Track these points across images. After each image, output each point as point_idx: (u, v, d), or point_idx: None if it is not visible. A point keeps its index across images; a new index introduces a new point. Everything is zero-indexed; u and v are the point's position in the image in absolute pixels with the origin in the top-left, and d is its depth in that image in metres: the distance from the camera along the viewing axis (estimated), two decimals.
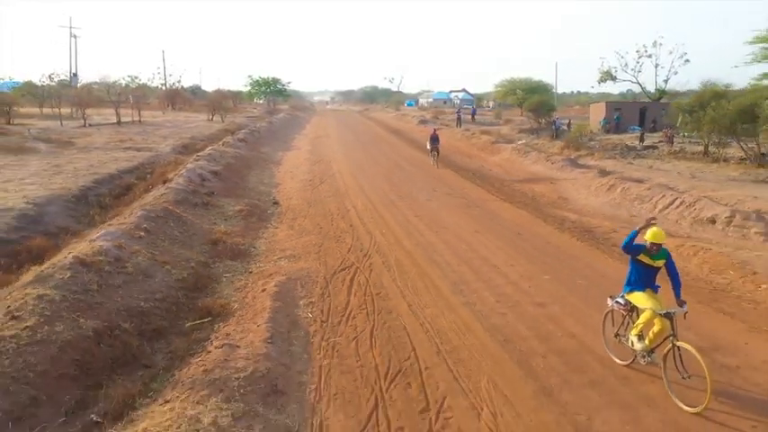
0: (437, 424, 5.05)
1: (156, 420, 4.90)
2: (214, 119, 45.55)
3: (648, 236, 5.64)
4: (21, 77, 60.70)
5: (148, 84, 70.77)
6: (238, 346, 6.27)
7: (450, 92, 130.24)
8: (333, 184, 18.12)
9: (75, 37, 51.69)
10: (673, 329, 5.46)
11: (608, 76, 47.88)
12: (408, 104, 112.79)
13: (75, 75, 54.43)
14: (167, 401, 5.28)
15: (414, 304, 7.88)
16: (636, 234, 5.71)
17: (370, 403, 5.43)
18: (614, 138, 36.27)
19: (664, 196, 15.53)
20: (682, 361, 5.33)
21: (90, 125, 36.70)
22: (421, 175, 20.46)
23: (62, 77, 63.80)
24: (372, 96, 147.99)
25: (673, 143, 30.75)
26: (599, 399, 5.50)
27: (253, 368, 5.80)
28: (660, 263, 5.79)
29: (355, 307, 7.81)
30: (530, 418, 5.18)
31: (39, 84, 63.53)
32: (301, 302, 7.99)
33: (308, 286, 8.61)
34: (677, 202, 14.89)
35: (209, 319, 7.54)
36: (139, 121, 41.07)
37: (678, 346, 5.39)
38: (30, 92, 52.42)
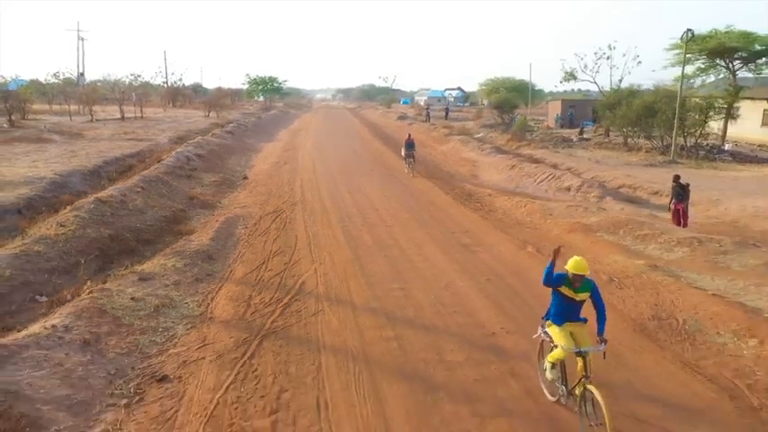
0: (291, 266, 9.65)
1: (146, 265, 9.51)
2: (210, 115, 50.03)
3: (570, 266, 5.18)
4: (26, 76, 65.03)
5: (150, 82, 74.98)
6: (193, 241, 10.89)
7: (445, 90, 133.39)
8: (293, 165, 22.74)
9: (82, 39, 56.13)
10: (585, 370, 5.02)
11: (570, 76, 52.10)
12: (404, 102, 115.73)
13: (83, 74, 59.08)
14: (152, 261, 9.89)
15: (309, 227, 12.51)
16: (552, 266, 5.25)
17: (260, 262, 10.04)
18: (564, 132, 40.79)
19: (543, 173, 20.09)
20: (592, 405, 4.86)
21: (96, 120, 41.18)
22: (368, 158, 25.08)
23: (66, 75, 68.22)
24: (370, 94, 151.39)
25: (608, 135, 35.18)
26: (384, 262, 10.04)
27: (198, 248, 10.42)
28: (584, 296, 5.30)
29: (272, 229, 12.42)
30: (342, 268, 9.77)
31: (44, 82, 68.05)
32: (239, 226, 12.61)
33: (246, 219, 13.22)
34: (549, 177, 19.45)
35: (180, 236, 12.13)
36: (141, 117, 45.59)
37: (589, 390, 4.91)
38: (39, 90, 56.90)
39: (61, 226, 11.12)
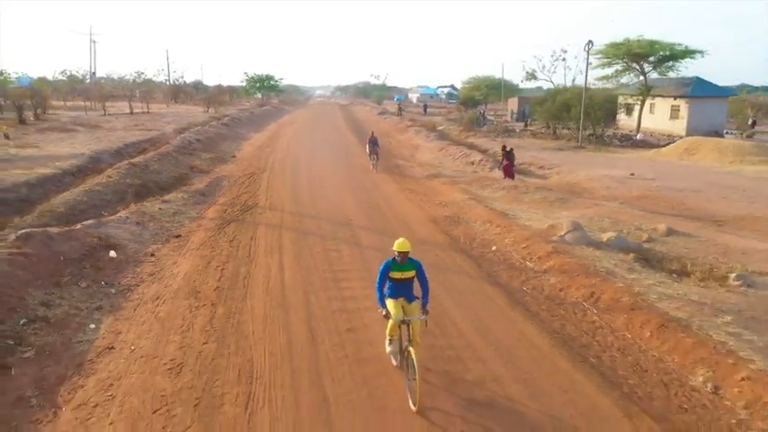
0: (252, 198, 16.00)
1: (165, 197, 15.86)
2: (209, 111, 56.26)
3: (395, 246, 5.97)
4: (32, 73, 70.88)
5: (153, 79, 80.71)
6: (193, 186, 17.26)
7: (438, 87, 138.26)
8: (272, 148, 29.07)
9: (94, 42, 62.36)
10: (409, 335, 5.93)
11: (531, 76, 58.35)
12: (397, 99, 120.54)
13: (94, 73, 65.38)
14: (169, 195, 16.24)
15: (270, 182, 18.83)
16: (383, 277, 6.12)
17: (234, 196, 16.38)
18: (518, 124, 47.05)
19: (461, 153, 26.39)
20: (412, 363, 5.68)
21: (108, 115, 47.42)
22: (335, 143, 31.47)
23: (72, 73, 74.02)
24: (365, 92, 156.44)
25: (549, 127, 41.34)
26: (309, 196, 16.36)
27: (197, 190, 16.78)
28: (410, 274, 6.09)
29: (245, 183, 18.75)
30: (282, 198, 16.10)
31: (52, 79, 74.01)
32: (224, 181, 18.95)
33: (230, 178, 19.56)
34: (462, 155, 25.75)
35: (185, 185, 18.48)
36: (148, 112, 51.88)
37: (409, 351, 5.79)
38: (54, 87, 63.03)
39: (109, 177, 17.50)
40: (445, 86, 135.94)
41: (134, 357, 7.07)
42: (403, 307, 6.21)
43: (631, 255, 11.34)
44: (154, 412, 5.85)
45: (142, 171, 18.70)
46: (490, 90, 78.16)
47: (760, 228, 14.50)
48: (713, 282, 10.23)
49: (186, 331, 7.72)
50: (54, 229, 11.16)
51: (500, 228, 12.90)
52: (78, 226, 11.90)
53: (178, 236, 12.57)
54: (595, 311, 8.66)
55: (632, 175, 21.35)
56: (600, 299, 8.95)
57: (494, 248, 11.80)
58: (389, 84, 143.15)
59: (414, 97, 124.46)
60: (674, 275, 10.63)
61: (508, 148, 20.11)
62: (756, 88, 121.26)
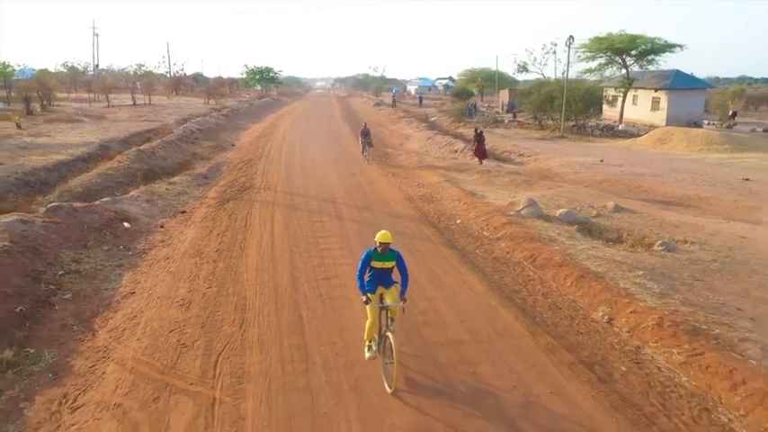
0: (249, 180, 17.78)
1: (171, 179, 17.65)
2: (210, 102, 57.88)
3: (378, 237, 6.20)
4: (33, 65, 72.26)
5: (154, 71, 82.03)
6: (196, 170, 19.05)
7: (437, 79, 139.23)
8: (269, 137, 30.81)
9: (97, 35, 63.87)
10: (387, 321, 6.24)
11: (522, 68, 59.85)
12: (396, 91, 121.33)
13: (97, 66, 66.93)
14: (174, 177, 18.02)
15: (266, 167, 20.59)
16: (363, 267, 6.33)
17: (232, 179, 18.16)
18: (507, 115, 48.65)
19: (446, 142, 28.09)
20: (389, 348, 5.99)
21: (112, 106, 49.05)
22: (328, 132, 33.19)
23: (74, 65, 75.36)
24: (364, 83, 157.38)
25: (536, 118, 42.94)
26: (302, 179, 18.16)
27: (199, 173, 18.56)
28: (390, 264, 6.33)
29: (243, 167, 20.52)
30: (276, 180, 17.88)
31: (53, 71, 75.43)
32: (224, 166, 20.73)
33: (229, 164, 21.33)
34: (447, 144, 27.46)
35: (189, 170, 20.25)
36: (150, 103, 53.51)
37: (387, 336, 6.08)
38: (56, 79, 64.50)
39: (119, 162, 19.28)
40: (444, 78, 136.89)
41: (152, 298, 8.88)
42: (381, 294, 6.47)
43: (575, 226, 13.14)
44: (170, 332, 7.67)
45: (149, 157, 20.47)
46: (486, 82, 79.47)
47: (701, 206, 16.29)
48: (641, 248, 12.02)
49: (193, 280, 9.54)
50: (77, 204, 12.96)
51: (466, 205, 14.69)
52: (97, 202, 13.71)
53: (183, 211, 14.36)
54: (531, 268, 10.47)
55: (601, 161, 23.09)
56: (537, 259, 10.75)
57: (458, 221, 13.59)
58: (389, 76, 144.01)
59: (412, 89, 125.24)
60: (609, 243, 12.42)
61: (479, 131, 21.88)
62: (756, 80, 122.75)
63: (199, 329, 7.66)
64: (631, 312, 8.34)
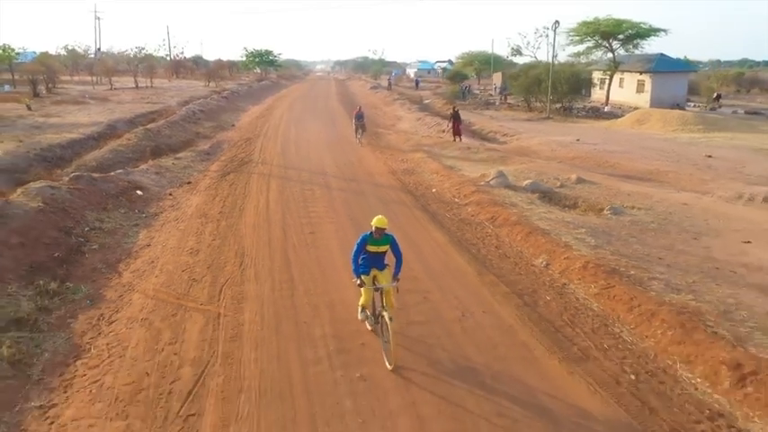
0: (248, 156, 19.43)
1: (177, 155, 19.31)
2: (210, 85, 59.17)
3: (374, 222, 6.37)
4: (34, 48, 73.23)
5: (154, 54, 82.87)
6: (199, 148, 20.70)
7: (436, 63, 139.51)
8: (268, 118, 32.37)
9: (98, 19, 64.93)
10: (382, 301, 6.41)
11: (516, 51, 61.00)
12: (395, 74, 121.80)
13: (99, 49, 68.04)
14: (180, 153, 19.68)
15: (263, 144, 22.22)
16: (359, 250, 6.53)
17: (233, 155, 19.81)
18: (498, 98, 50.00)
19: (435, 122, 29.64)
20: (386, 327, 6.24)
21: (115, 89, 50.41)
22: (324, 114, 34.72)
23: (73, 48, 76.28)
24: (364, 66, 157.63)
25: (526, 101, 44.34)
26: (296, 155, 19.82)
27: (202, 150, 20.21)
28: (384, 248, 6.53)
29: (243, 145, 22.16)
30: (273, 155, 19.52)
31: (54, 54, 76.40)
32: (225, 144, 22.37)
33: (229, 142, 22.96)
34: (436, 124, 29.01)
35: (192, 147, 21.89)
36: (152, 86, 54.85)
37: (382, 315, 6.31)
38: (58, 62, 65.61)
39: (128, 140, 20.93)
40: (443, 62, 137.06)
41: (166, 248, 10.60)
42: (375, 276, 6.66)
43: (537, 195, 14.82)
44: (182, 271, 9.40)
45: (155, 135, 22.10)
46: (483, 65, 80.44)
47: (660, 179, 17.95)
48: (591, 212, 13.72)
49: (200, 235, 11.26)
50: (95, 174, 14.65)
51: (442, 176, 16.37)
52: (112, 173, 15.39)
53: (189, 182, 16.05)
54: (491, 227, 12.17)
55: (578, 140, 24.67)
56: (497, 219, 12.44)
57: (434, 190, 15.28)
58: (389, 59, 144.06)
59: (411, 72, 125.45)
60: (565, 208, 14.12)
61: (455, 110, 23.50)
62: (758, 63, 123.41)
63: (206, 269, 9.39)
64: (565, 259, 10.04)
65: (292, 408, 5.69)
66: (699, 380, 6.54)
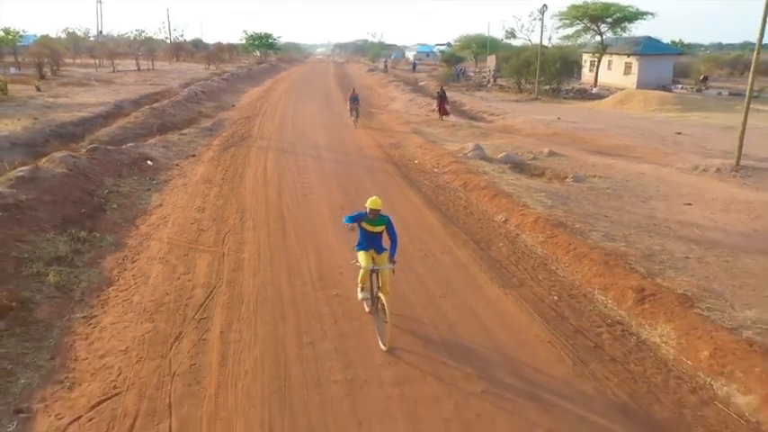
0: (247, 132, 20.97)
1: (182, 131, 20.86)
2: (210, 68, 60.34)
3: (368, 203, 6.49)
4: (34, 31, 74.15)
5: (154, 37, 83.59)
6: (202, 125, 22.23)
7: (435, 45, 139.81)
8: (267, 99, 33.80)
9: (100, 2, 65.88)
10: (379, 283, 6.51)
11: (510, 34, 62.05)
12: (395, 56, 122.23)
13: (101, 32, 69.04)
14: (184, 130, 21.23)
15: (261, 123, 23.73)
16: (354, 217, 6.69)
17: (233, 131, 21.35)
18: (489, 79, 51.19)
19: (426, 102, 31.07)
20: (382, 308, 6.30)
21: (117, 71, 51.63)
22: (321, 95, 36.13)
23: (73, 31, 77.15)
24: (363, 49, 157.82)
25: (518, 83, 45.60)
26: (293, 131, 21.36)
27: (205, 127, 21.75)
28: (380, 228, 6.64)
29: (242, 123, 23.68)
30: (271, 131, 21.07)
31: (54, 37, 77.23)
32: (226, 122, 23.88)
33: (230, 120, 24.48)
34: (426, 104, 30.44)
35: (195, 125, 23.42)
36: (153, 68, 56.05)
37: (379, 297, 6.40)
38: (60, 44, 66.55)
39: (135, 118, 22.45)
40: (442, 44, 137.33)
41: (176, 207, 12.22)
42: (373, 258, 6.75)
43: (509, 165, 16.39)
44: (191, 224, 11.01)
45: (161, 114, 23.60)
46: (480, 48, 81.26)
47: (627, 153, 19.47)
48: (556, 180, 15.30)
49: (205, 196, 12.87)
50: (109, 146, 16.22)
51: (425, 150, 17.92)
52: (123, 146, 16.95)
53: (194, 155, 17.62)
54: (462, 191, 13.76)
55: (558, 119, 26.14)
56: (468, 185, 14.02)
57: (416, 162, 16.85)
58: (388, 42, 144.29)
59: (411, 55, 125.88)
60: (533, 177, 15.70)
61: (441, 90, 24.99)
62: (762, 46, 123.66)
63: (211, 222, 11.02)
64: (521, 215, 11.64)
65: (282, 312, 7.34)
66: (609, 301, 8.17)
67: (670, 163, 18.02)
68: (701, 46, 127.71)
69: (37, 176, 11.91)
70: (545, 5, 35.32)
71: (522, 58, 38.25)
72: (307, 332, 6.89)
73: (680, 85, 43.60)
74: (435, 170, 15.82)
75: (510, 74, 39.56)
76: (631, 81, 40.78)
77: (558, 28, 42.25)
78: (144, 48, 65.64)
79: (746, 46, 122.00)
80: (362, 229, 6.75)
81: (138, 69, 53.45)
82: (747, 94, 16.37)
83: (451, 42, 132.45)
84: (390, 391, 5.72)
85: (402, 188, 13.90)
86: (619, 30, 40.66)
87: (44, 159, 13.53)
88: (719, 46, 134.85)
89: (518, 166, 16.53)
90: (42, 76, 40.67)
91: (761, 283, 8.83)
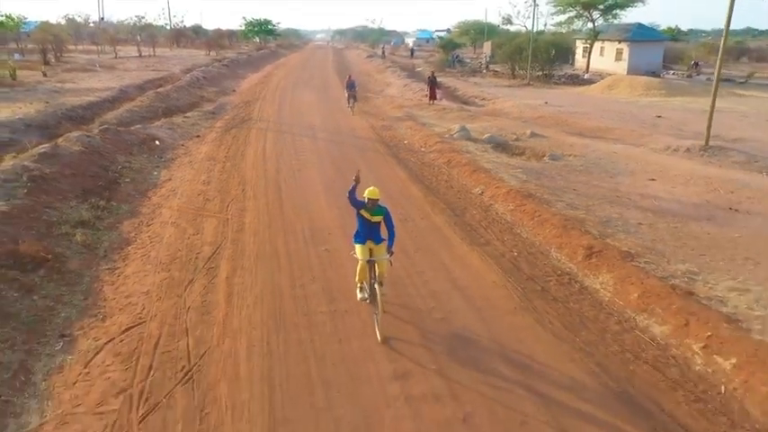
0: (248, 115, 22.16)
1: (186, 114, 22.05)
2: (210, 54, 61.16)
3: (366, 193, 6.50)
4: (33, 17, 74.60)
5: (154, 23, 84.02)
6: (204, 108, 23.41)
7: (435, 32, 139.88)
8: (266, 84, 34.90)
9: None
10: (375, 274, 6.55)
11: (507, 21, 62.71)
12: (395, 43, 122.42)
13: (103, 18, 69.74)
14: (188, 114, 22.42)
15: (261, 107, 24.90)
16: (354, 187, 6.71)
17: (234, 115, 22.55)
18: (483, 65, 52.10)
19: (420, 88, 32.15)
20: (378, 300, 6.39)
21: (119, 57, 52.50)
22: (318, 80, 37.21)
23: (72, 17, 77.63)
24: (363, 36, 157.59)
25: (512, 69, 46.55)
26: (290, 113, 22.55)
27: (207, 110, 22.94)
28: (378, 218, 6.64)
29: (243, 107, 24.85)
30: (270, 114, 22.25)
31: (54, 24, 77.72)
32: (227, 106, 25.05)
33: (231, 104, 25.64)
34: (420, 89, 31.51)
35: (198, 108, 24.60)
36: (155, 55, 56.92)
37: (375, 288, 6.44)
38: (51, 30, 67.08)
39: (141, 102, 23.62)
40: (442, 31, 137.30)
41: (183, 181, 13.47)
42: (371, 249, 6.76)
43: (491, 145, 17.60)
44: (198, 195, 12.28)
45: (165, 98, 24.77)
46: (478, 35, 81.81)
47: (605, 135, 20.64)
48: (534, 158, 16.52)
49: (210, 172, 14.12)
50: (119, 127, 17.44)
51: (415, 131, 19.12)
52: (132, 128, 18.17)
53: (198, 136, 18.84)
54: (445, 168, 14.99)
55: (546, 103, 27.26)
56: (451, 162, 15.25)
57: (405, 142, 18.06)
58: (388, 28, 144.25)
59: (410, 41, 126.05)
60: (513, 156, 16.91)
61: (432, 75, 26.10)
62: (762, 32, 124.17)
63: (216, 193, 12.30)
64: (496, 188, 12.87)
65: (278, 263, 8.64)
66: (563, 257, 9.44)
67: (644, 144, 19.19)
68: (703, 32, 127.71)
69: (57, 153, 13.16)
70: None
71: (514, 44, 39.21)
72: (299, 278, 8.19)
73: (671, 71, 44.55)
74: (423, 149, 17.03)
75: (503, 60, 40.53)
76: (622, 67, 41.75)
77: (553, 14, 42.92)
78: (145, 34, 66.38)
79: (749, 32, 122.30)
80: (361, 218, 6.75)
81: (140, 55, 54.33)
82: (715, 78, 17.57)
83: (451, 29, 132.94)
84: (366, 318, 7.02)
85: (390, 165, 15.13)
86: (610, 17, 41.48)
87: (61, 138, 14.76)
88: (722, 32, 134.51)
89: (500, 146, 17.72)
90: (47, 63, 41.56)
91: (700, 245, 10.09)
